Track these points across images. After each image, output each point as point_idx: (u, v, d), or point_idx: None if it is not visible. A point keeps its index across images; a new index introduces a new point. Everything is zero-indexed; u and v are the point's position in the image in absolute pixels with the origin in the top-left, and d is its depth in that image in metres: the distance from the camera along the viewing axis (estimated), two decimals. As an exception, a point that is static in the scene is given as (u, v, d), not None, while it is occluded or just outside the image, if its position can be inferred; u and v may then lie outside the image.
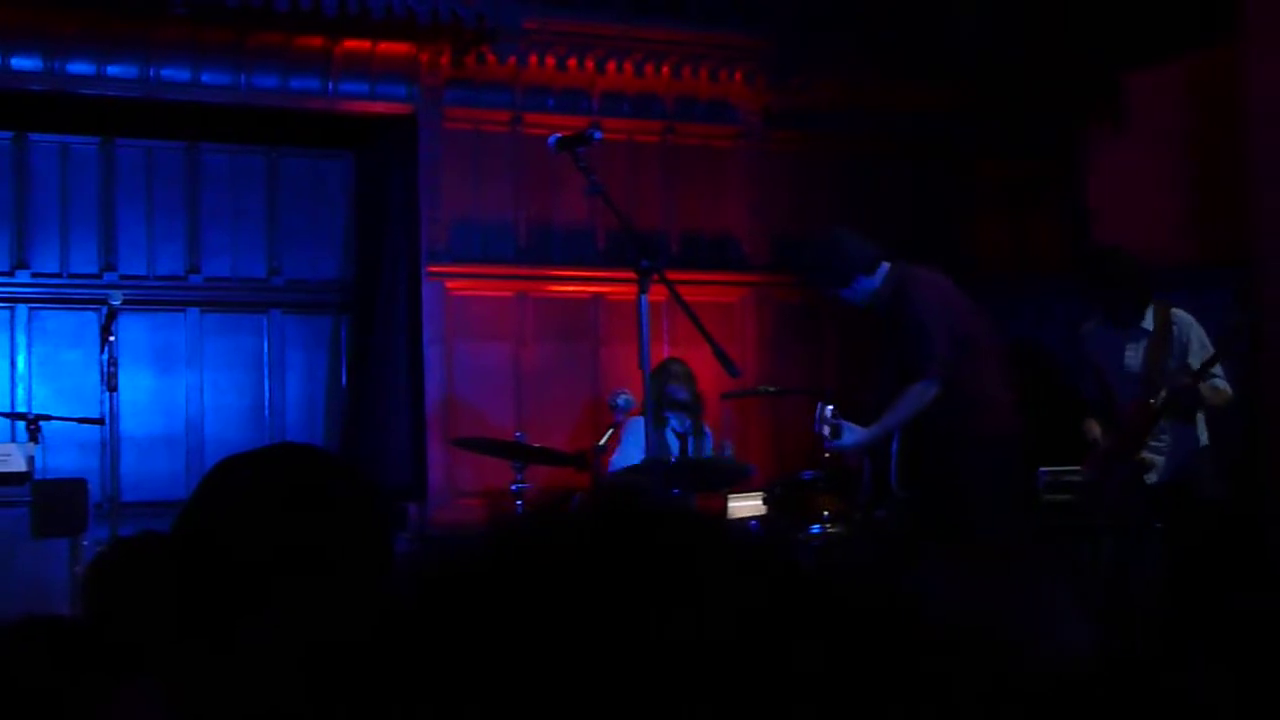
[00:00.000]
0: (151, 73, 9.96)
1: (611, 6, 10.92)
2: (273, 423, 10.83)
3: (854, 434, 7.23)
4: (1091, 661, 3.17)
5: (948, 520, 6.79)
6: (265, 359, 10.90)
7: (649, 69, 11.06)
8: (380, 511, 2.05)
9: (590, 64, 10.90)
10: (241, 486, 1.98)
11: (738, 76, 11.30)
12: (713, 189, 11.35)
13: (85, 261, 10.45)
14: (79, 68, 9.81)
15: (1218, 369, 7.46)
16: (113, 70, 9.89)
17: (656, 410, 8.53)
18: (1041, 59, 11.35)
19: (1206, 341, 7.47)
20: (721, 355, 5.89)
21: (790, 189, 11.42)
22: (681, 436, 9.25)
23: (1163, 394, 7.41)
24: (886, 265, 7.26)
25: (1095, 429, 7.75)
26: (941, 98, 11.38)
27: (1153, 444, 7.55)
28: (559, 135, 6.33)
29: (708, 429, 9.47)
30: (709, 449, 9.34)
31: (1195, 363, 7.45)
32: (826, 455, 7.63)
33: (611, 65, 10.95)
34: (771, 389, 10.08)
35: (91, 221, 10.49)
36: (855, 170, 11.51)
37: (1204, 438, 7.58)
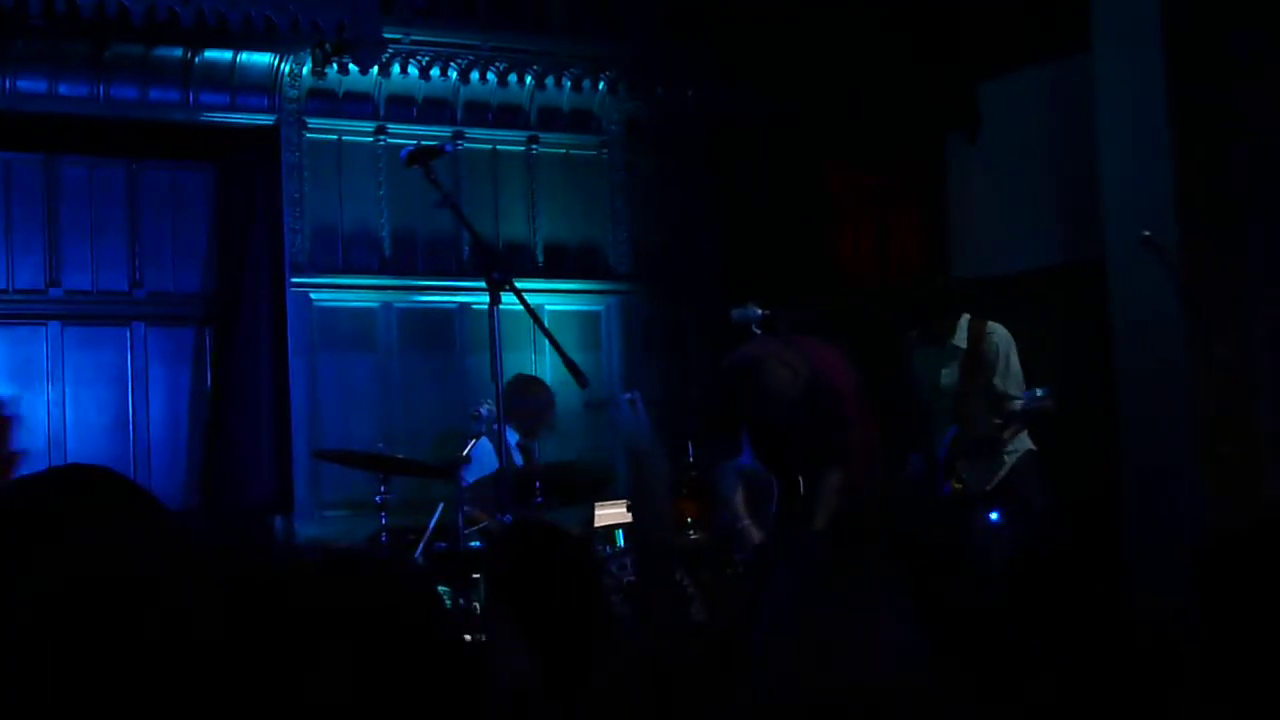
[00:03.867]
0: (7, 84, 9.84)
1: (474, 17, 10.94)
2: (136, 437, 10.71)
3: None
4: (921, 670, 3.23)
5: (810, 530, 6.83)
6: (128, 373, 10.78)
7: (512, 79, 11.08)
8: (164, 536, 2.04)
9: (453, 74, 10.91)
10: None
11: (600, 87, 11.36)
12: (577, 199, 11.41)
13: (-59, 276, 10.32)
14: (-68, 80, 9.71)
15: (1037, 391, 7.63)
16: (-33, 83, 9.78)
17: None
18: (899, 67, 11.47)
19: (1014, 358, 7.62)
20: (571, 365, 5.93)
21: (654, 199, 11.49)
22: (524, 449, 9.26)
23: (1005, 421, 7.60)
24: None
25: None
26: (801, 107, 11.46)
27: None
28: (410, 149, 6.35)
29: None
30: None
31: (1001, 382, 7.61)
32: None
33: (474, 76, 10.96)
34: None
35: (-53, 235, 10.35)
36: (718, 180, 11.58)
37: (1027, 443, 7.74)
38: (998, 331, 7.72)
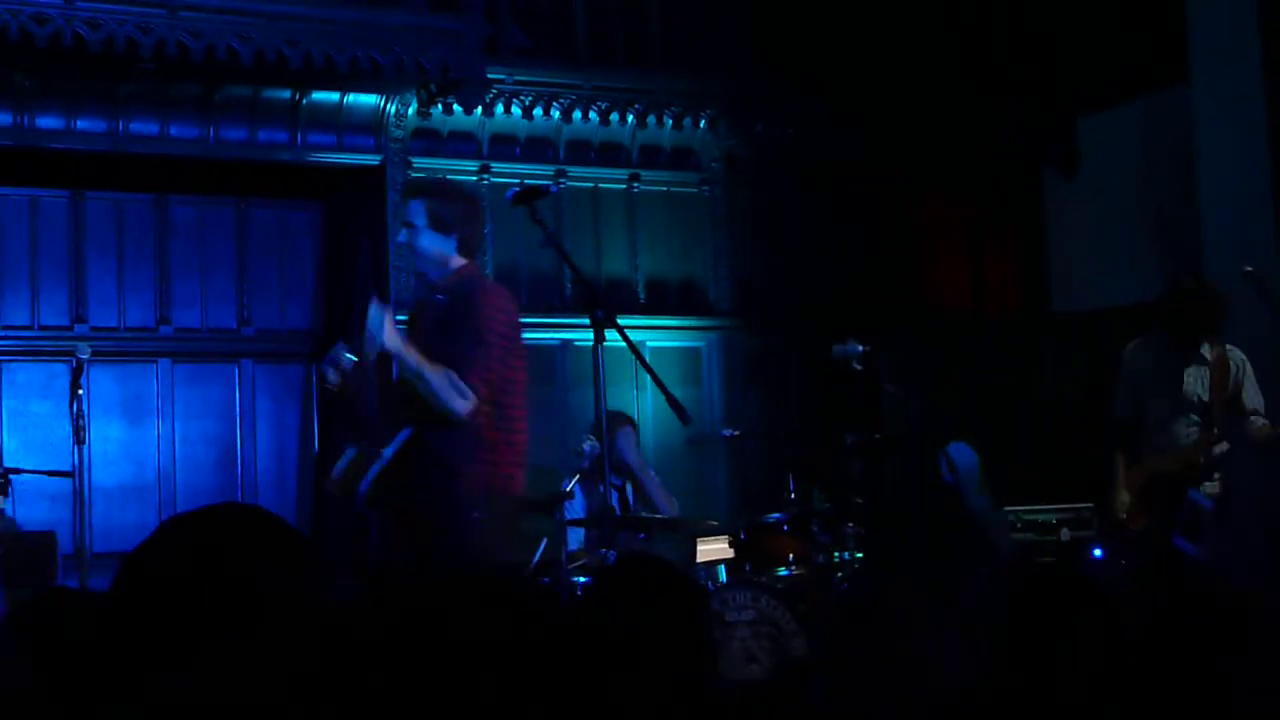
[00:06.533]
0: (120, 126, 10.06)
1: (575, 57, 11.07)
2: (244, 472, 10.88)
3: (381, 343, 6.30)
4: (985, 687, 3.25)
5: (437, 540, 6.14)
6: (236, 409, 10.95)
7: (613, 118, 11.18)
8: (315, 567, 2.11)
9: (555, 114, 11.03)
10: (172, 548, 2.06)
11: (701, 124, 11.45)
12: (677, 236, 11.49)
13: (55, 314, 10.51)
14: (48, 122, 9.92)
15: None
16: (82, 124, 9.99)
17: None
18: (997, 102, 11.47)
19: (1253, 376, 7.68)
20: (673, 401, 5.97)
21: (754, 234, 11.55)
22: (619, 489, 9.23)
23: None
24: (464, 261, 6.53)
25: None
26: (898, 142, 11.47)
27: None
28: (515, 189, 6.40)
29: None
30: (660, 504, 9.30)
31: (1249, 400, 7.66)
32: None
33: (576, 115, 11.08)
34: (736, 432, 10.09)
35: (61, 274, 10.54)
36: (816, 215, 11.61)
37: None
38: (1236, 352, 7.74)
